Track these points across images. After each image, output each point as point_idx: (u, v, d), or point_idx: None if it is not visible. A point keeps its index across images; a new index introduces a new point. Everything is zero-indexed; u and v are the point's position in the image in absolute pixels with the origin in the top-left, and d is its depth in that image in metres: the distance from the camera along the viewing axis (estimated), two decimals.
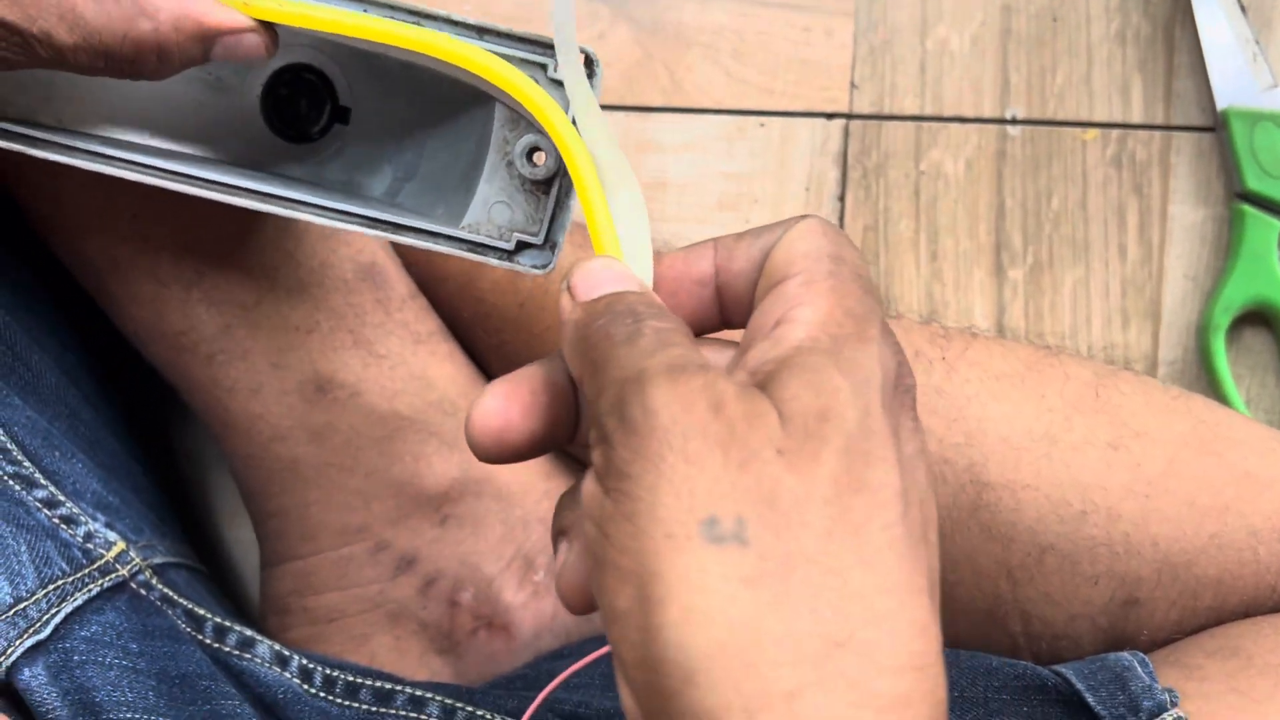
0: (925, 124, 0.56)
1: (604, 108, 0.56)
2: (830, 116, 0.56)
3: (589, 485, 0.25)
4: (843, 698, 0.22)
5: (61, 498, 0.41)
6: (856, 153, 0.56)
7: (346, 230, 0.36)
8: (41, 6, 0.30)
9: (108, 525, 0.42)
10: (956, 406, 0.40)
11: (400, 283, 0.46)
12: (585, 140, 0.32)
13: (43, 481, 0.40)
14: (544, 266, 0.35)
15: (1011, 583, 0.38)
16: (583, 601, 0.28)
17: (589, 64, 0.34)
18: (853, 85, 0.56)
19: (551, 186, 0.35)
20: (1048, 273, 0.55)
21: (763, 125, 0.56)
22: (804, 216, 0.28)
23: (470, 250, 0.35)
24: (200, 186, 0.35)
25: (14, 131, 0.35)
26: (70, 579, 0.39)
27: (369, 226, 0.36)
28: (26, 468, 0.40)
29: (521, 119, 0.35)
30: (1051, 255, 0.55)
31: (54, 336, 0.46)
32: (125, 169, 0.35)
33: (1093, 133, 0.56)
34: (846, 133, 0.56)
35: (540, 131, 0.33)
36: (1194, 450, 0.39)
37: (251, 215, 0.43)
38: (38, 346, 0.44)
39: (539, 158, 0.35)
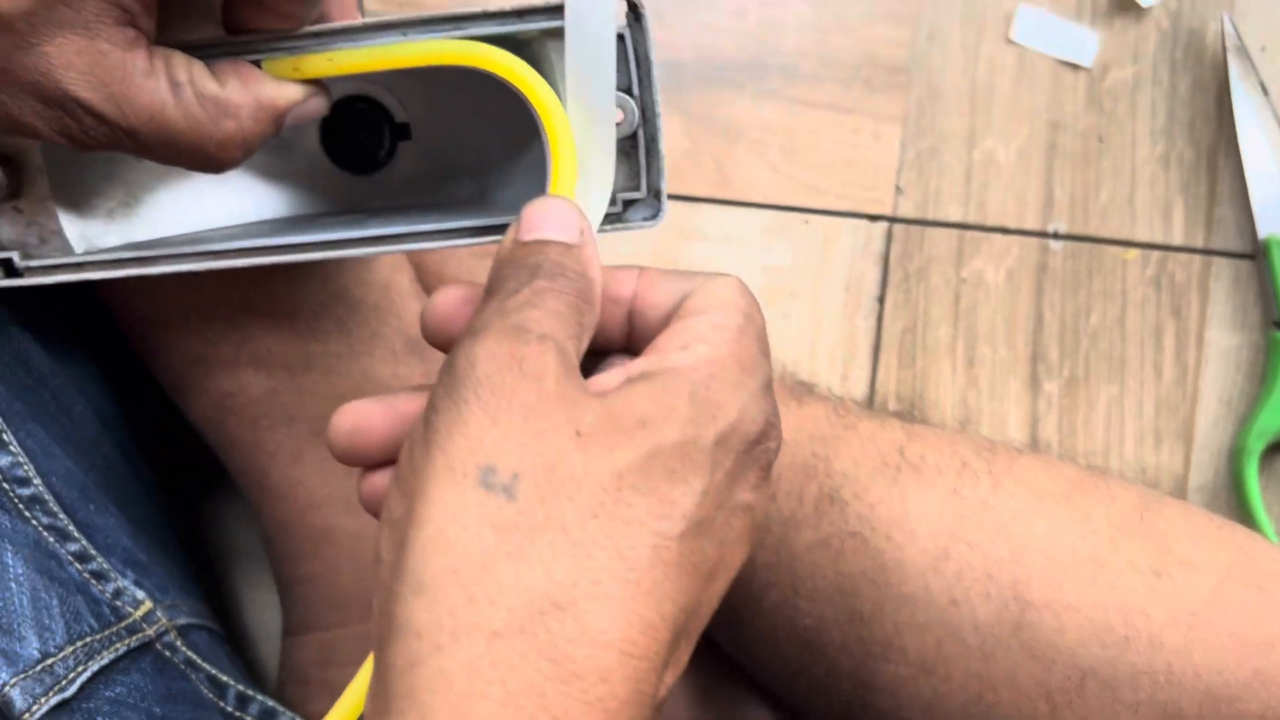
0: (968, 232, 0.56)
1: None
2: (874, 218, 0.57)
3: (422, 409, 0.28)
4: (540, 651, 0.24)
5: (93, 552, 0.40)
6: (898, 255, 0.56)
7: (448, 247, 0.36)
8: (135, 106, 0.31)
9: (136, 583, 0.41)
10: (1001, 522, 0.39)
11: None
12: (572, 92, 0.33)
13: (76, 535, 0.40)
14: (654, 217, 0.36)
15: (1050, 706, 0.38)
16: (370, 500, 0.31)
17: (634, 9, 0.34)
18: (898, 189, 0.57)
19: (637, 139, 0.35)
20: (1083, 388, 0.56)
21: (806, 222, 0.57)
22: (726, 274, 0.31)
23: None
24: (298, 252, 0.36)
25: (125, 259, 0.36)
26: (98, 636, 0.39)
27: (471, 236, 0.36)
28: (61, 520, 0.40)
29: None
30: (1088, 370, 0.56)
31: (96, 385, 0.46)
32: (230, 259, 0.36)
33: (1133, 252, 0.56)
34: (889, 235, 0.56)
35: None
36: (1238, 582, 0.39)
37: (304, 278, 0.43)
38: (81, 396, 0.44)
39: (617, 115, 0.35)
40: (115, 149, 0.32)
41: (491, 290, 0.29)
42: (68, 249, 0.36)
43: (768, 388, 0.30)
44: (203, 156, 0.33)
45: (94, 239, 0.37)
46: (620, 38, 0.34)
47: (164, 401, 0.47)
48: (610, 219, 0.36)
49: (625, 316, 0.32)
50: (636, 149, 0.35)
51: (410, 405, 0.32)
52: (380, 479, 0.32)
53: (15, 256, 0.36)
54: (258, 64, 0.34)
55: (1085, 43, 0.56)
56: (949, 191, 0.57)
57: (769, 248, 0.57)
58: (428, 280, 0.49)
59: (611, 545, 0.25)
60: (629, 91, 0.35)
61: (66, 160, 0.37)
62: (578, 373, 0.28)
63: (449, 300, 0.32)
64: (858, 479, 0.41)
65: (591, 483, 0.26)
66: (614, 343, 0.32)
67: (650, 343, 0.31)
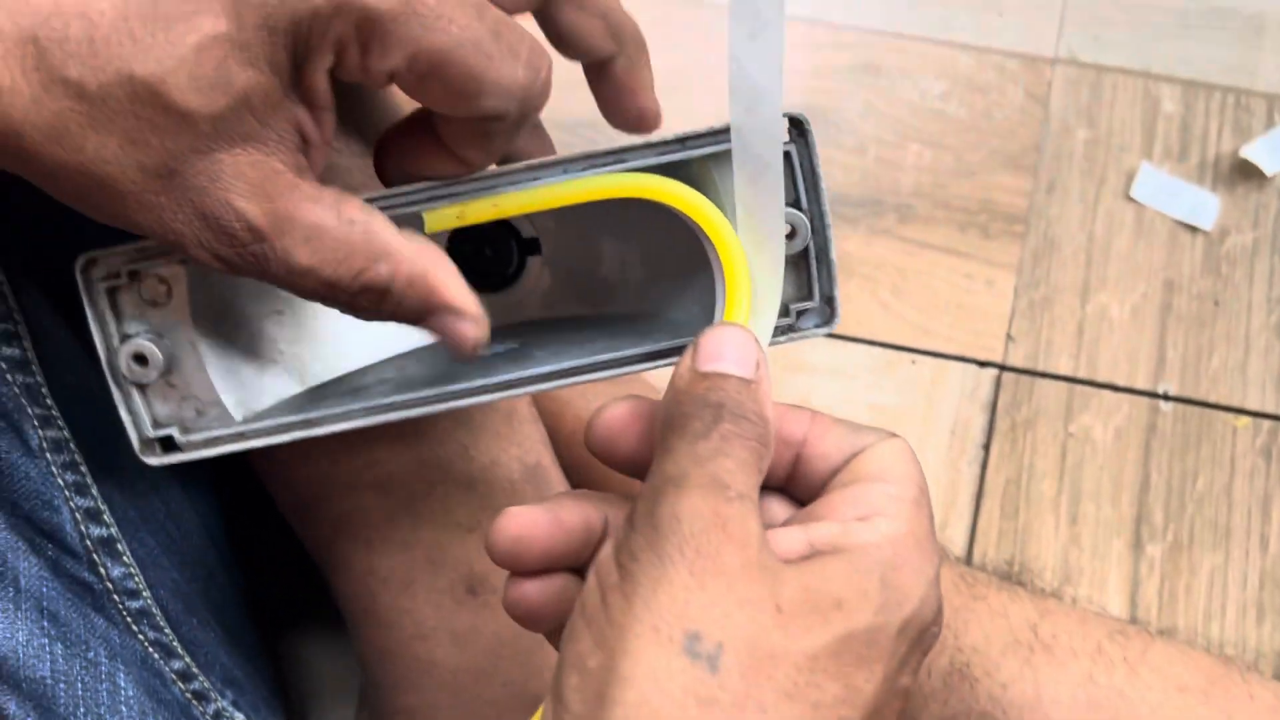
0: (1078, 386, 0.56)
1: None
2: (983, 364, 0.56)
3: (607, 549, 0.28)
4: None
5: (195, 670, 0.39)
6: (1006, 404, 0.56)
7: (618, 375, 0.35)
8: (293, 221, 0.30)
9: (234, 703, 0.40)
10: (1140, 716, 0.38)
11: (559, 485, 0.45)
12: (742, 214, 0.32)
13: (180, 651, 0.39)
14: (827, 323, 0.35)
15: None
16: (539, 620, 0.31)
17: (798, 126, 0.34)
18: (1009, 337, 0.56)
19: (808, 251, 0.35)
20: (1186, 554, 0.55)
21: (914, 363, 0.56)
22: (894, 434, 0.31)
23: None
24: (462, 398, 0.35)
25: (288, 423, 0.35)
26: None
27: (638, 363, 0.35)
28: (167, 635, 0.39)
29: None
30: (1192, 536, 0.55)
31: (205, 495, 0.45)
32: (396, 412, 0.35)
33: (1244, 420, 0.55)
34: (998, 383, 0.56)
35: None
36: None
37: None
38: (190, 506, 0.43)
39: (787, 229, 0.34)
40: (255, 274, 0.31)
41: (675, 426, 0.29)
42: (227, 418, 0.35)
43: (938, 576, 0.29)
44: (342, 291, 0.31)
45: (250, 401, 0.36)
46: (785, 154, 0.34)
47: (259, 512, 0.46)
48: (782, 330, 0.35)
49: (792, 459, 0.31)
50: (807, 259, 0.35)
51: (573, 517, 0.31)
52: (533, 589, 0.31)
53: (175, 432, 0.34)
54: (419, 215, 0.33)
55: (1206, 205, 0.56)
56: (1060, 343, 0.56)
57: (875, 385, 0.56)
58: (541, 400, 0.49)
59: None
60: (797, 205, 0.34)
61: (215, 326, 0.36)
62: (767, 535, 0.28)
63: (619, 416, 0.31)
64: (989, 655, 0.40)
65: (789, 662, 0.26)
66: (774, 479, 0.32)
67: (814, 492, 0.30)
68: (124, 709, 0.36)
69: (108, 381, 0.34)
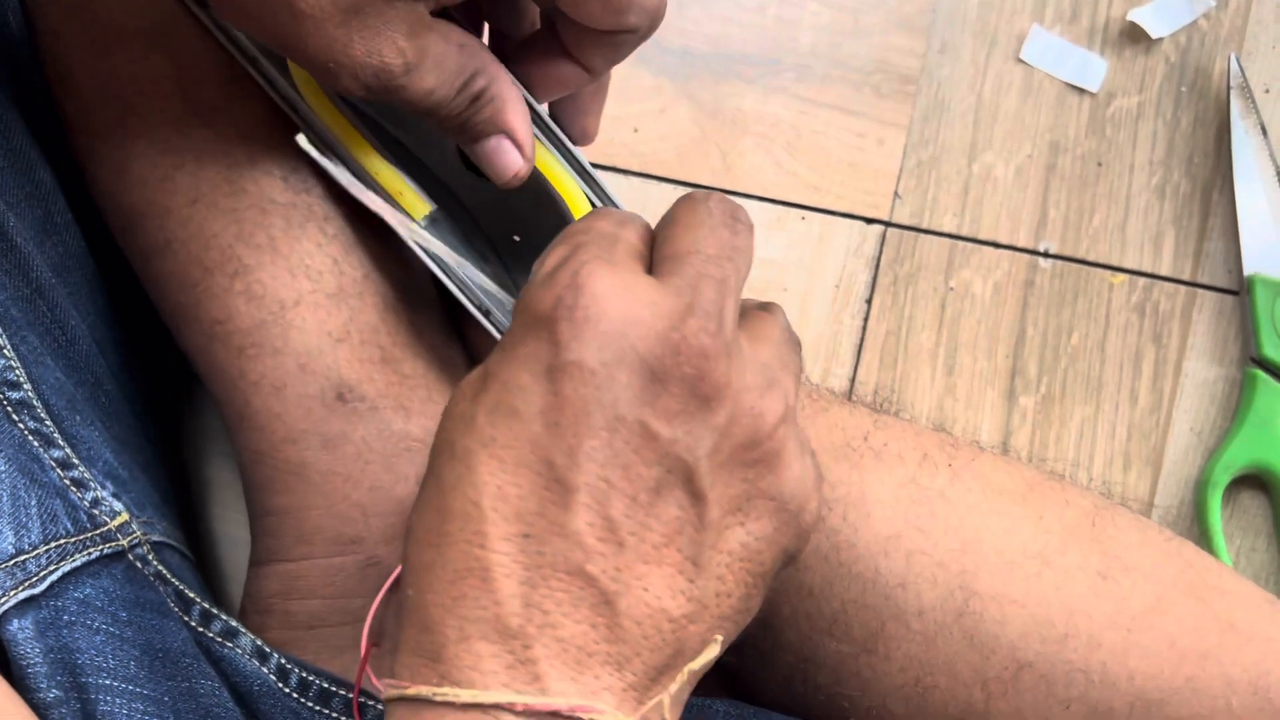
0: (960, 243, 0.57)
1: (656, 178, 0.58)
2: (870, 221, 0.58)
3: None
4: None
5: (75, 461, 0.41)
6: (890, 259, 0.57)
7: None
8: (428, 53, 0.35)
9: (115, 495, 0.42)
10: (957, 515, 0.40)
11: (438, 307, 0.47)
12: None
13: (60, 442, 0.41)
14: None
15: (985, 694, 0.39)
16: None
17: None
18: (896, 195, 0.58)
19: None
20: (1058, 405, 0.57)
21: (803, 219, 0.58)
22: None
23: None
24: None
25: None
26: (72, 539, 0.40)
27: None
28: (47, 426, 0.41)
29: None
30: (1064, 389, 0.57)
31: (93, 304, 0.47)
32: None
33: (1120, 278, 0.57)
34: (883, 239, 0.58)
35: None
36: (1181, 593, 0.39)
37: (303, 217, 0.44)
38: (77, 312, 0.45)
39: None
40: (392, 100, 0.36)
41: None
42: None
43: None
44: (446, 108, 0.37)
45: None
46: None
47: (156, 329, 0.48)
48: None
49: None
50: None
51: None
52: None
53: None
54: None
55: (1093, 68, 0.57)
56: (945, 202, 0.58)
57: (765, 240, 0.58)
58: None
59: None
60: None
61: None
62: None
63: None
64: (821, 460, 0.42)
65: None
66: None
67: None
68: None
69: None
